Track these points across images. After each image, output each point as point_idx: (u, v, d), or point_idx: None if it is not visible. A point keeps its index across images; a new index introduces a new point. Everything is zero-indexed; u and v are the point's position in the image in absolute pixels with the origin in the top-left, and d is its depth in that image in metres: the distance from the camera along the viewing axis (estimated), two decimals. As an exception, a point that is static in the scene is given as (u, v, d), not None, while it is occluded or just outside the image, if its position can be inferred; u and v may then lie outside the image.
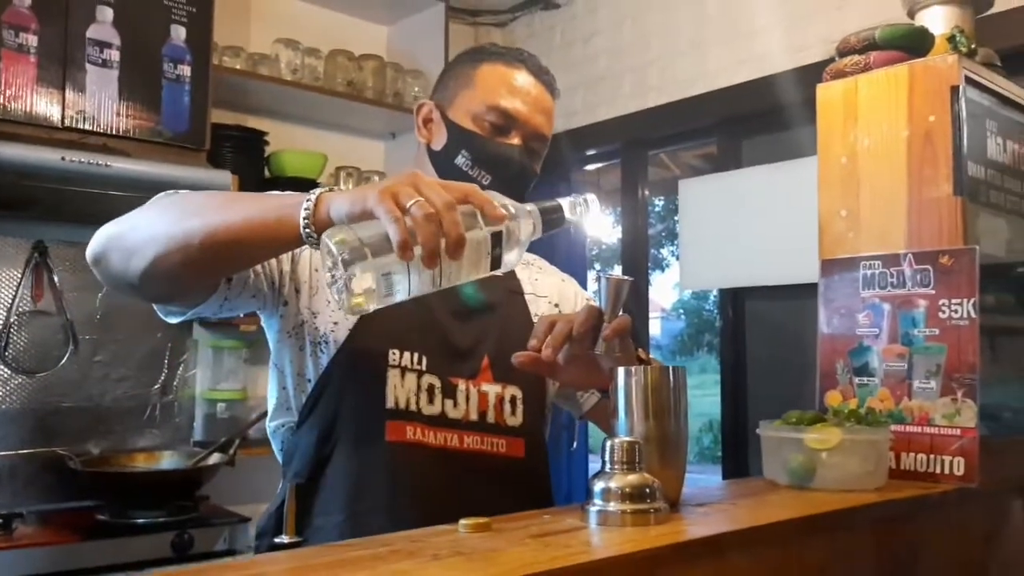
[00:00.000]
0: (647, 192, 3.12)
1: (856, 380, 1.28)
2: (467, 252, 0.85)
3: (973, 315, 1.17)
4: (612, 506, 0.86)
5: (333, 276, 0.83)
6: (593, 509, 0.87)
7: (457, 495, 1.14)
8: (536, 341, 1.06)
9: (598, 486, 0.87)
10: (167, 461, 2.46)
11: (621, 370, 0.98)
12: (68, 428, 2.44)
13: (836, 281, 1.33)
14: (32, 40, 2.10)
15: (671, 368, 0.98)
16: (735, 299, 2.75)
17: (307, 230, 0.89)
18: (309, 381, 1.18)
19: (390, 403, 1.15)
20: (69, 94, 2.15)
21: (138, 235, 0.99)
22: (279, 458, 1.26)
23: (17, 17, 2.08)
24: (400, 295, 0.85)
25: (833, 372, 1.31)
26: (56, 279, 2.45)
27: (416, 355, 1.18)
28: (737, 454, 2.70)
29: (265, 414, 2.45)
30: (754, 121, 2.70)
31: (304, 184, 2.74)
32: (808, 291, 2.45)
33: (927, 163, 1.27)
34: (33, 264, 2.42)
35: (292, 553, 0.79)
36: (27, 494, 2.33)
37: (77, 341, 2.47)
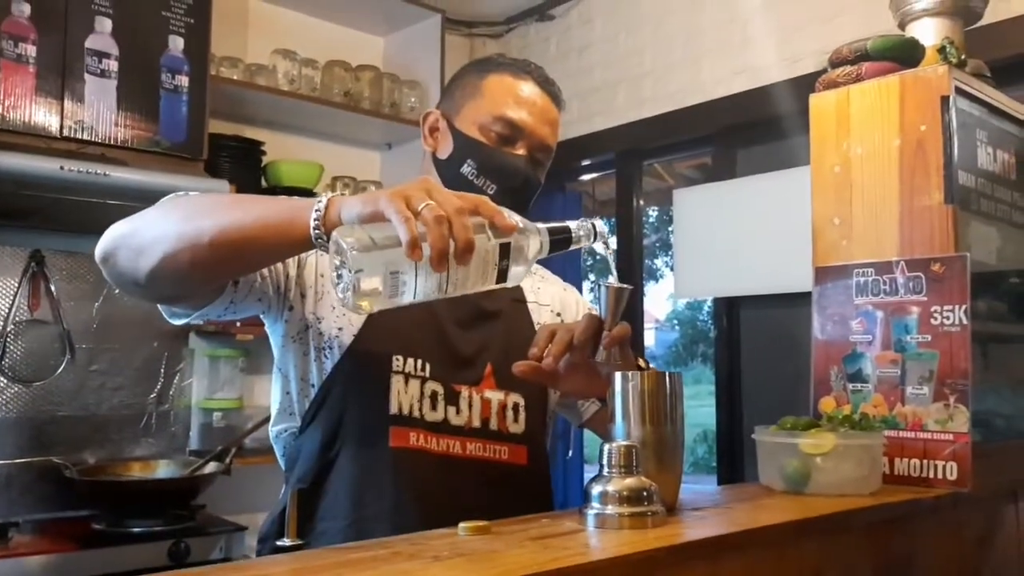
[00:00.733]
0: (642, 202, 3.14)
1: (850, 386, 1.29)
2: (474, 261, 0.86)
3: (965, 321, 1.19)
4: (610, 509, 0.87)
5: (340, 275, 0.84)
6: (591, 512, 0.88)
7: (459, 501, 1.14)
8: (537, 350, 1.08)
9: (596, 489, 0.88)
10: (163, 470, 2.46)
11: (618, 375, 0.99)
12: (64, 437, 2.44)
13: (829, 288, 1.35)
14: (31, 50, 2.11)
15: (667, 374, 0.99)
16: (730, 308, 2.77)
17: (317, 231, 0.90)
18: (313, 386, 1.19)
19: (393, 409, 1.16)
20: (68, 104, 2.16)
21: (147, 234, 0.99)
22: (281, 463, 1.26)
23: (16, 27, 2.09)
24: (406, 297, 0.86)
25: (827, 378, 1.33)
26: (53, 288, 2.45)
27: (420, 362, 1.19)
28: (732, 462, 2.71)
29: (261, 424, 2.48)
30: (749, 131, 2.72)
31: (301, 194, 2.76)
32: (803, 300, 2.48)
33: (919, 172, 1.29)
34: (30, 273, 2.43)
35: (294, 555, 0.80)
36: (23, 503, 2.32)
37: (74, 350, 2.47)
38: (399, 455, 1.15)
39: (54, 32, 2.15)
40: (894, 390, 1.24)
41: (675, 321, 13.51)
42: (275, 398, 1.25)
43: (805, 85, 2.41)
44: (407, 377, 1.17)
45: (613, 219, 3.20)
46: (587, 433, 3.46)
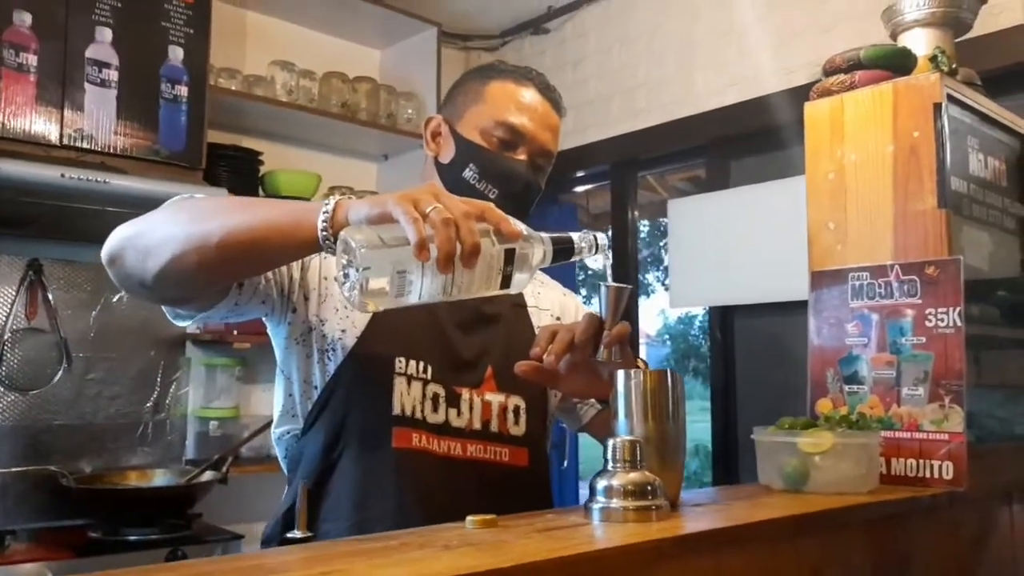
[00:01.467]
0: (637, 213, 3.16)
1: (846, 388, 1.31)
2: (479, 265, 0.88)
3: (959, 323, 1.21)
4: (615, 503, 0.88)
5: (347, 274, 0.85)
6: (596, 506, 0.89)
7: (461, 502, 1.15)
8: (539, 349, 1.09)
9: (601, 484, 0.90)
10: (159, 479, 2.46)
11: (621, 373, 1.01)
12: (60, 446, 2.44)
13: (825, 292, 1.37)
14: (32, 59, 2.12)
15: (669, 372, 1.01)
16: (724, 317, 2.79)
17: (324, 233, 0.91)
18: (316, 388, 1.20)
19: (396, 410, 1.17)
20: (68, 113, 2.18)
21: (155, 235, 1.00)
22: (283, 465, 1.27)
23: (17, 36, 2.11)
24: (412, 297, 0.87)
25: (823, 381, 1.34)
26: (50, 297, 2.46)
27: (422, 364, 1.20)
28: (728, 471, 2.73)
29: (257, 432, 2.48)
30: (742, 142, 2.76)
31: (298, 203, 2.77)
32: (797, 308, 2.50)
33: (912, 177, 1.31)
34: (28, 282, 2.43)
35: (305, 546, 0.81)
36: (20, 511, 2.32)
37: (71, 359, 2.47)
38: (402, 456, 1.16)
39: (55, 41, 2.16)
40: (890, 391, 1.26)
41: (666, 336, 13.53)
42: (278, 400, 1.26)
43: (798, 96, 2.47)
44: (409, 379, 1.19)
45: (609, 231, 3.22)
46: (583, 445, 3.46)
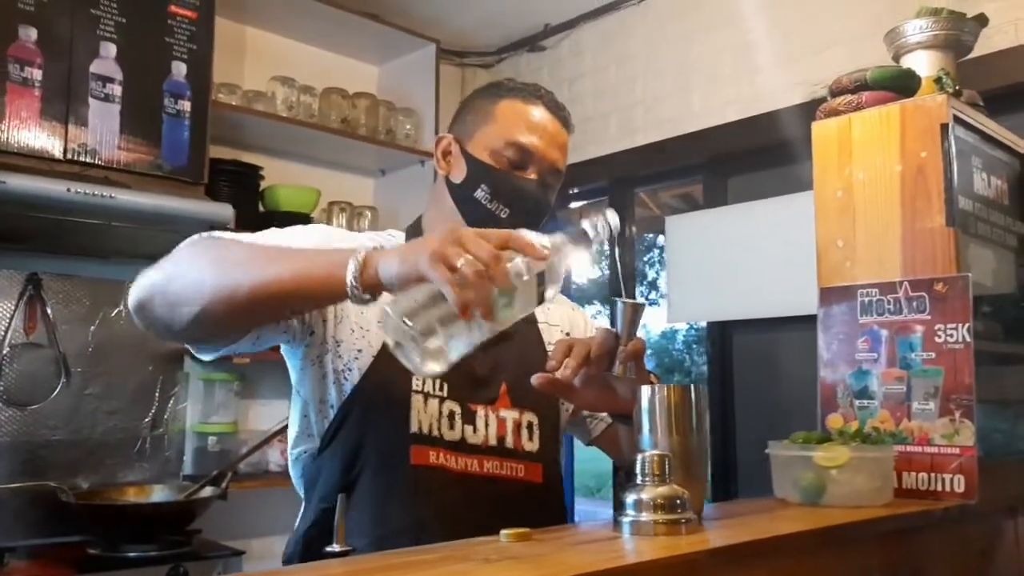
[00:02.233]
0: (634, 229, 3.19)
1: (856, 403, 1.33)
2: (517, 295, 0.90)
3: (968, 339, 1.23)
4: (644, 516, 0.89)
5: (398, 343, 0.86)
6: (626, 520, 0.90)
7: (478, 519, 1.15)
8: (555, 362, 1.10)
9: (631, 498, 0.91)
10: (158, 494, 2.44)
11: (645, 388, 1.02)
12: (58, 461, 2.42)
13: (835, 308, 1.39)
14: (37, 74, 2.12)
15: (692, 386, 1.03)
16: (722, 332, 2.82)
17: (355, 290, 0.92)
18: (332, 407, 1.21)
19: (414, 428, 1.18)
20: (72, 128, 2.18)
21: (182, 285, 1.01)
22: (297, 484, 1.27)
23: (23, 52, 2.11)
24: (466, 346, 0.90)
25: (833, 396, 1.36)
26: (49, 311, 2.45)
27: (438, 381, 1.21)
28: (726, 486, 2.74)
29: (256, 448, 2.47)
30: (739, 160, 2.79)
31: (298, 218, 2.78)
32: (795, 323, 2.53)
33: (920, 196, 1.34)
34: (27, 296, 2.42)
35: (348, 560, 0.81)
36: (18, 528, 2.30)
37: (69, 374, 2.46)
38: (420, 473, 1.17)
39: (60, 56, 2.17)
40: (900, 406, 1.28)
41: (649, 351, 13.53)
42: (293, 420, 1.27)
43: (795, 115, 2.51)
44: (426, 397, 1.20)
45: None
46: (579, 459, 3.45)
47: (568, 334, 1.42)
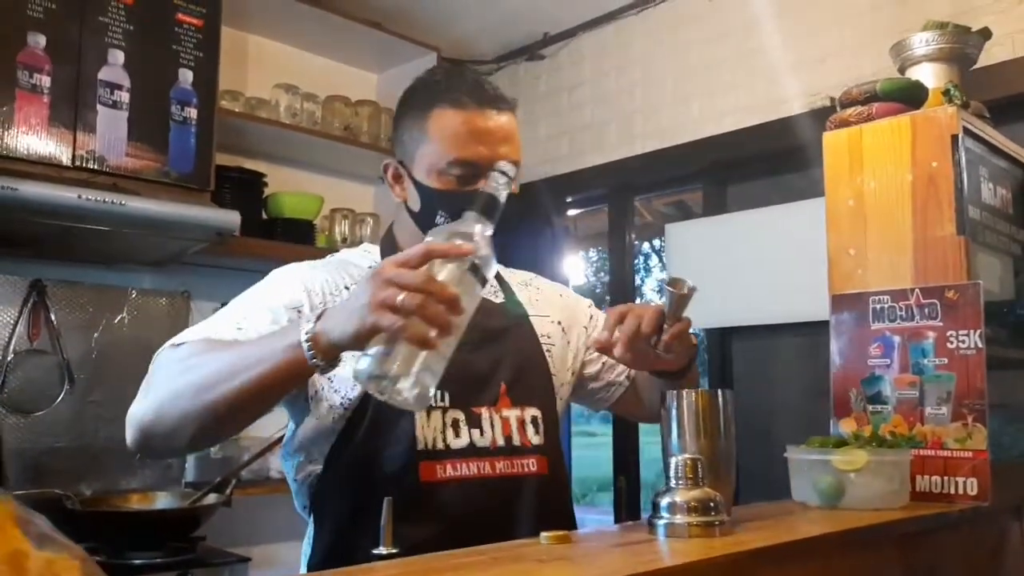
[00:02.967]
0: (633, 236, 3.22)
1: (870, 407, 1.36)
2: (462, 295, 0.92)
3: (980, 345, 1.26)
4: (679, 519, 0.92)
5: (382, 392, 0.90)
6: (661, 522, 0.92)
7: (492, 521, 1.17)
8: (607, 332, 1.14)
9: (665, 500, 0.93)
10: (162, 501, 2.43)
11: (672, 393, 1.05)
12: (61, 468, 2.41)
13: (846, 315, 1.42)
14: (45, 81, 2.13)
15: (720, 391, 1.05)
16: (722, 339, 2.85)
17: (319, 365, 0.96)
18: (333, 432, 1.20)
19: (420, 444, 1.18)
20: (79, 134, 2.18)
21: (169, 422, 1.07)
22: (297, 503, 1.28)
23: (31, 58, 2.11)
24: (441, 367, 0.93)
25: (847, 401, 1.39)
26: (53, 318, 2.44)
27: (438, 392, 1.20)
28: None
29: (259, 455, 2.47)
30: (738, 168, 2.83)
31: (301, 225, 2.79)
32: (794, 330, 2.57)
33: (931, 205, 1.37)
34: (31, 303, 2.41)
35: (396, 562, 0.83)
36: (22, 535, 2.28)
37: (73, 380, 2.45)
38: (430, 488, 1.17)
39: (68, 63, 2.17)
40: (913, 411, 1.31)
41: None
42: (292, 447, 1.26)
43: (794, 124, 2.55)
44: (428, 411, 1.19)
45: (603, 251, 3.27)
46: (575, 460, 3.47)
47: (559, 323, 1.41)
